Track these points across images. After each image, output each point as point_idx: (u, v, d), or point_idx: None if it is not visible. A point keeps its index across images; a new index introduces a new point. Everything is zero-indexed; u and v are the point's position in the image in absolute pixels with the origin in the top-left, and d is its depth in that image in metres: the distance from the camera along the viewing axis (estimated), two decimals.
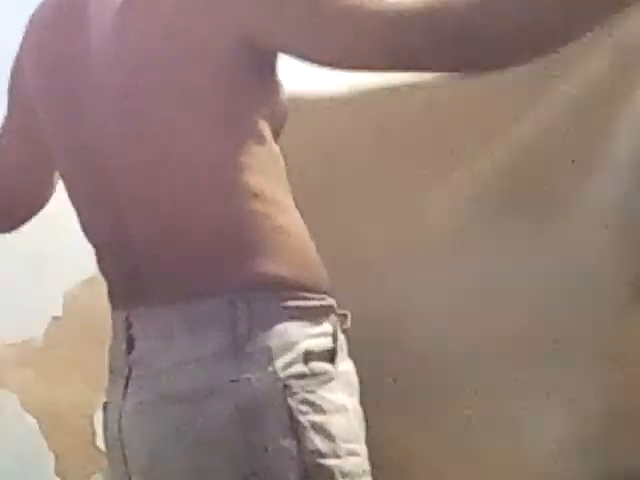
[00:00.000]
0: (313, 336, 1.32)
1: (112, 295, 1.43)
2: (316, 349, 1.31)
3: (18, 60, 1.54)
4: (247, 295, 1.29)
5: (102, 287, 2.70)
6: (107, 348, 2.72)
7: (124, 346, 1.36)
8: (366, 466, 1.33)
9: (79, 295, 2.70)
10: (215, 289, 1.30)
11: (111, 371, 1.41)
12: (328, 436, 1.28)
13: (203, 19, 1.29)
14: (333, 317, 1.36)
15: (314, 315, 1.33)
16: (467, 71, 1.23)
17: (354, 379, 1.37)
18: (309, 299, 1.34)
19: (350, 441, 1.31)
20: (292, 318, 1.30)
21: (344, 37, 1.24)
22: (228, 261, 1.31)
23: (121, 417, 1.34)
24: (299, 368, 1.28)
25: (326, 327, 1.34)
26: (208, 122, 1.30)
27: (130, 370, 1.35)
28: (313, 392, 1.28)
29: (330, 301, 1.37)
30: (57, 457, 2.69)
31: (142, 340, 1.34)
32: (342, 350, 1.35)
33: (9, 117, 1.57)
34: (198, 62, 1.29)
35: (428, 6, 1.21)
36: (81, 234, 2.42)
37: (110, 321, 2.72)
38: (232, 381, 1.26)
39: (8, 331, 2.67)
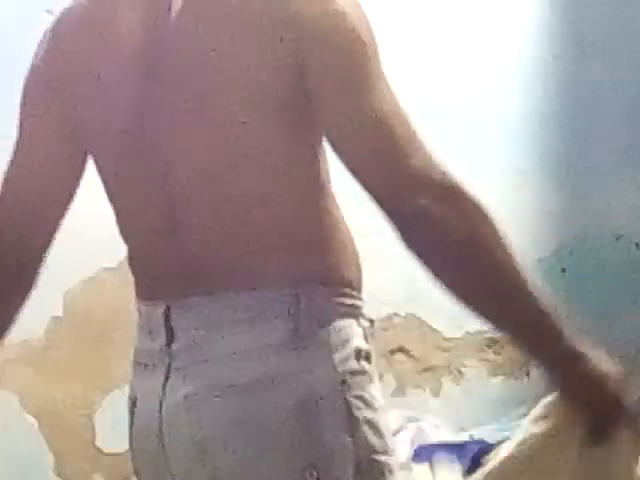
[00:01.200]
0: (358, 335, 1.34)
1: (147, 288, 1.42)
2: (363, 348, 1.33)
3: (44, 80, 1.52)
4: (308, 289, 1.30)
5: (102, 287, 2.70)
6: (107, 348, 2.72)
7: (163, 338, 1.34)
8: (398, 462, 1.38)
9: (79, 295, 2.70)
10: (277, 281, 1.31)
11: (142, 365, 1.40)
12: (378, 432, 1.31)
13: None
14: (366, 318, 1.38)
15: (358, 314, 1.36)
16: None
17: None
18: (356, 297, 1.36)
19: (391, 438, 1.35)
20: (344, 315, 1.33)
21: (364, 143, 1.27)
22: (290, 254, 1.32)
23: (162, 410, 1.33)
24: (353, 365, 1.31)
25: (363, 327, 1.36)
26: (275, 117, 1.30)
27: (170, 363, 1.33)
28: (364, 389, 1.31)
29: (363, 302, 1.39)
30: (57, 457, 2.69)
31: (185, 331, 1.32)
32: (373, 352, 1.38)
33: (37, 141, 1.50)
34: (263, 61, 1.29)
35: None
36: (81, 234, 2.41)
37: (110, 321, 2.72)
38: (293, 373, 1.27)
39: (8, 331, 2.67)
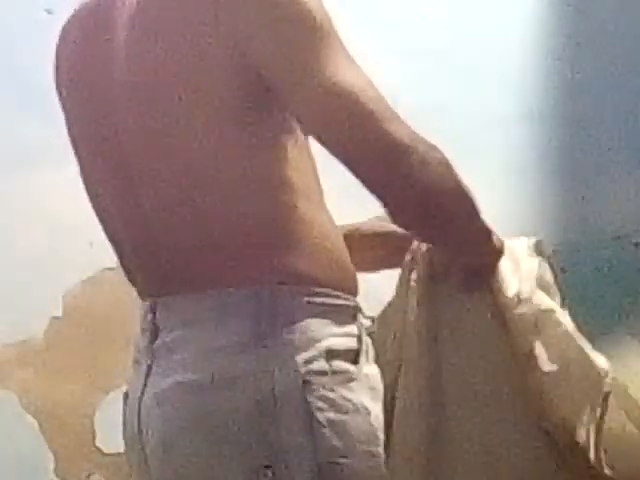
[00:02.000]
0: (337, 335, 1.32)
1: (139, 287, 1.45)
2: (339, 348, 1.31)
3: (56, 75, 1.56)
4: (272, 288, 1.29)
5: (102, 287, 2.70)
6: (107, 348, 2.72)
7: (149, 336, 1.37)
8: (382, 470, 1.32)
9: (79, 295, 2.70)
10: (240, 280, 1.30)
11: (135, 361, 1.42)
12: (344, 435, 1.27)
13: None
14: (359, 319, 1.36)
15: (339, 314, 1.33)
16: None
17: (378, 385, 1.36)
18: (334, 297, 1.33)
19: (368, 443, 1.30)
20: (316, 315, 1.30)
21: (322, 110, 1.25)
22: (254, 252, 1.31)
23: (140, 407, 1.36)
24: (320, 365, 1.28)
25: (351, 328, 1.34)
26: (231, 115, 1.30)
27: (153, 360, 1.36)
28: (332, 390, 1.28)
29: (356, 302, 1.37)
30: (57, 457, 2.69)
31: (166, 329, 1.35)
32: (367, 353, 1.35)
33: None
34: (212, 61, 1.29)
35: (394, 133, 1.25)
36: (81, 234, 2.41)
37: (110, 321, 2.72)
38: (253, 373, 1.26)
39: (8, 331, 2.67)
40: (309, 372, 1.27)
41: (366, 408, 1.31)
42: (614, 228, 3.03)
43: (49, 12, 2.67)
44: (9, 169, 2.66)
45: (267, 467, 1.25)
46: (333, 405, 1.27)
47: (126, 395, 1.43)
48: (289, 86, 1.27)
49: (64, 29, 1.50)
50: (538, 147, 3.03)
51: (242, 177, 1.31)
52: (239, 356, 1.27)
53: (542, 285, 1.57)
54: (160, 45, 1.32)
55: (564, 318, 1.53)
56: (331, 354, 1.29)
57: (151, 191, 1.36)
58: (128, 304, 2.78)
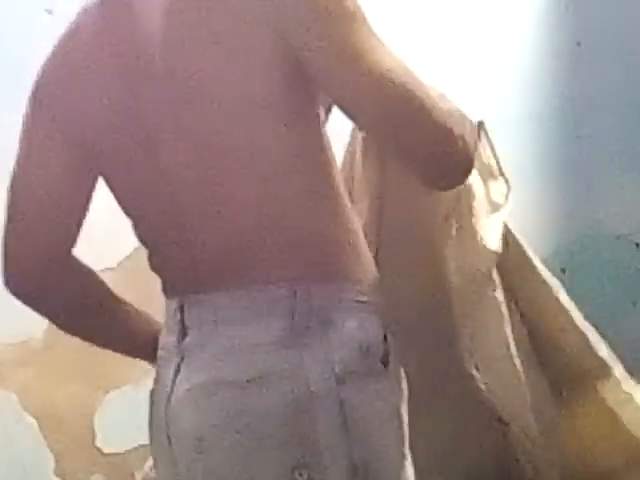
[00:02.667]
0: (369, 333, 1.32)
1: (167, 285, 1.44)
2: (372, 347, 1.31)
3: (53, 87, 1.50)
4: (308, 286, 1.29)
5: None
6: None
7: (177, 333, 1.36)
8: (411, 472, 1.32)
9: None
10: (276, 278, 1.30)
11: (160, 359, 1.42)
12: (378, 434, 1.28)
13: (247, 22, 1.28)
14: (383, 317, 1.36)
15: (368, 312, 1.33)
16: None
17: (405, 386, 1.36)
18: (363, 294, 1.34)
19: (399, 443, 1.31)
20: (349, 312, 1.31)
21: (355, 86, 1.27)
22: (290, 251, 1.31)
23: (169, 403, 1.35)
24: (355, 363, 1.28)
25: (379, 325, 1.34)
26: (276, 116, 1.30)
27: (182, 357, 1.35)
28: (367, 389, 1.28)
29: (381, 299, 1.37)
30: (57, 457, 2.69)
31: (196, 327, 1.34)
32: (392, 353, 1.35)
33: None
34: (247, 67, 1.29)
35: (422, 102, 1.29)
36: (81, 234, 2.41)
37: None
38: (288, 371, 1.26)
39: (8, 331, 2.67)
40: (344, 371, 1.27)
41: (397, 408, 1.31)
42: (614, 228, 3.04)
43: (49, 12, 2.67)
44: (9, 169, 2.66)
45: (302, 466, 1.25)
46: (367, 404, 1.27)
47: (152, 392, 1.43)
48: (331, 69, 1.27)
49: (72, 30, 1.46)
50: (538, 147, 3.03)
51: (281, 177, 1.32)
52: (274, 354, 1.27)
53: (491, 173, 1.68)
54: (201, 39, 1.30)
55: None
56: (365, 353, 1.29)
57: (188, 187, 1.35)
58: None
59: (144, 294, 2.75)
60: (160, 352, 1.43)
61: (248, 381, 1.27)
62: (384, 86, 1.27)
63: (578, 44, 3.05)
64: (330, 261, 1.33)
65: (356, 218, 1.38)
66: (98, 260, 2.72)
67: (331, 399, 1.26)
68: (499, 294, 1.57)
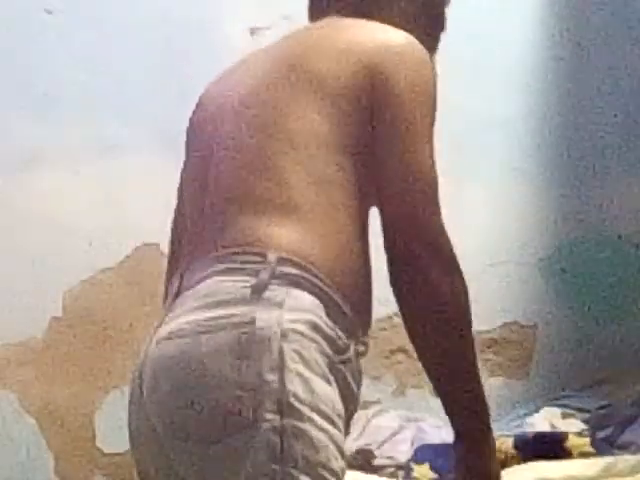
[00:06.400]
0: (326, 324, 1.38)
1: (177, 262, 1.54)
2: (325, 330, 1.37)
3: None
4: (281, 256, 1.38)
5: (102, 287, 2.70)
6: (107, 348, 2.72)
7: (172, 298, 1.46)
8: (338, 440, 1.35)
9: (79, 295, 2.70)
10: (253, 245, 1.40)
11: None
12: (309, 389, 1.33)
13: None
14: (355, 337, 1.41)
15: (336, 315, 1.39)
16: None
17: (349, 396, 1.41)
18: (343, 304, 1.40)
19: (330, 408, 1.35)
20: (315, 295, 1.38)
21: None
22: (276, 228, 1.41)
23: (146, 356, 1.43)
24: (302, 328, 1.35)
25: (344, 337, 1.40)
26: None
27: (167, 314, 1.44)
28: (308, 350, 1.35)
29: (356, 325, 1.42)
30: (57, 457, 2.69)
31: (185, 289, 1.45)
32: (352, 369, 1.40)
33: None
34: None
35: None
36: (81, 234, 2.40)
37: (110, 321, 2.72)
38: (240, 319, 1.35)
39: (8, 331, 2.67)
40: (291, 328, 1.34)
41: (335, 383, 1.37)
42: (614, 228, 3.03)
43: (49, 12, 2.67)
44: (9, 169, 2.66)
45: (237, 398, 1.32)
46: (306, 363, 1.34)
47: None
48: (382, 152, 1.46)
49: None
50: (538, 147, 3.03)
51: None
52: (234, 307, 1.36)
53: None
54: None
55: None
56: (314, 328, 1.36)
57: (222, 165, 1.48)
58: (128, 304, 2.79)
59: (144, 294, 2.76)
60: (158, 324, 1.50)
61: (206, 328, 1.36)
62: (411, 183, 1.43)
63: (578, 44, 3.05)
64: (313, 250, 1.40)
65: (369, 254, 1.46)
66: (98, 260, 2.73)
67: (273, 346, 1.33)
68: None
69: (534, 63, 3.04)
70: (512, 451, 2.27)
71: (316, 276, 1.38)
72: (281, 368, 1.32)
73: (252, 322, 1.34)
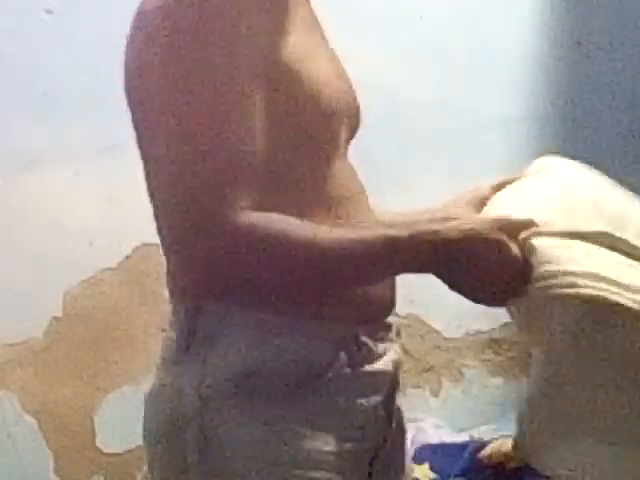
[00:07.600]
0: (245, 360, 1.29)
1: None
2: (247, 374, 1.29)
3: None
4: (202, 305, 1.29)
5: (102, 287, 2.70)
6: (107, 348, 2.72)
7: None
8: None
9: (79, 295, 2.70)
10: (183, 294, 1.33)
11: None
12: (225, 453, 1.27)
13: None
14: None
15: (257, 337, 1.31)
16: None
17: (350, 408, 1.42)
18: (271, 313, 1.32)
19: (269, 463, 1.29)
20: (243, 333, 1.28)
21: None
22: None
23: None
24: (223, 387, 1.28)
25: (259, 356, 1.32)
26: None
27: None
28: (229, 411, 1.27)
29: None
30: (57, 457, 2.69)
31: None
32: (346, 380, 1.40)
33: None
34: None
35: None
36: (81, 234, 2.40)
37: (110, 321, 2.72)
38: (168, 388, 1.31)
39: (8, 331, 2.67)
40: (210, 393, 1.28)
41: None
42: None
43: (49, 12, 2.67)
44: (9, 170, 2.66)
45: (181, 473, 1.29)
46: (227, 428, 1.28)
47: None
48: None
49: None
50: (538, 147, 3.02)
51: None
52: (164, 370, 1.34)
53: None
54: None
55: None
56: (237, 378, 1.28)
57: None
58: (128, 304, 2.79)
59: (144, 294, 2.76)
60: None
61: (149, 395, 1.35)
62: None
63: (578, 44, 3.05)
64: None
65: None
66: (98, 260, 2.73)
67: (196, 420, 1.27)
68: None
69: (534, 63, 3.04)
70: (512, 451, 2.27)
71: (235, 311, 1.31)
72: (203, 440, 1.29)
73: (175, 392, 1.32)
